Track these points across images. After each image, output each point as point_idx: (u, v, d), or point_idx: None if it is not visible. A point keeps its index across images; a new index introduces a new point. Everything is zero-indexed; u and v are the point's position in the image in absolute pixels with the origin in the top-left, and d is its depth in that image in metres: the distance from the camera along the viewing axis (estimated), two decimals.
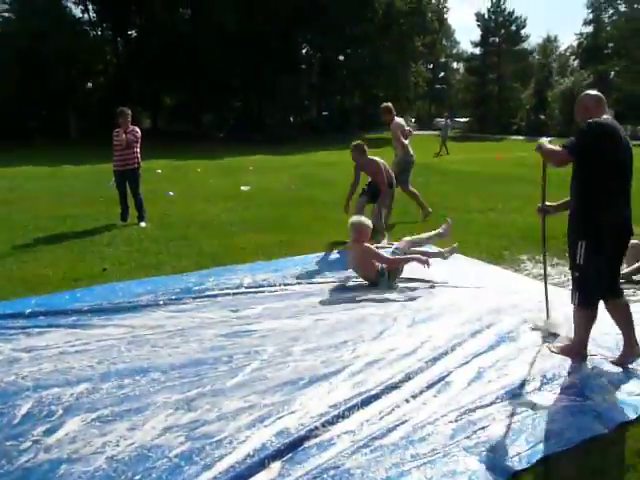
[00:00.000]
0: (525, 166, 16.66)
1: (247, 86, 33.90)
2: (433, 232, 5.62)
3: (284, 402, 2.91)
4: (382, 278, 4.88)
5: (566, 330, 3.69)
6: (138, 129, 7.52)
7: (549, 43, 49.44)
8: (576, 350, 3.45)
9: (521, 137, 36.74)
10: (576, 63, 52.52)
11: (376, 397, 2.93)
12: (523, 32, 47.33)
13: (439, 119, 60.07)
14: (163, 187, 10.91)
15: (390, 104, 8.18)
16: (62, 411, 2.83)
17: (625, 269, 4.91)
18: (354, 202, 6.72)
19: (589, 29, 53.49)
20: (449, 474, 2.35)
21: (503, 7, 46.12)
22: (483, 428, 2.66)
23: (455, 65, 68.84)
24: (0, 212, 8.36)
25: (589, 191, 3.24)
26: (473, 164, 17.35)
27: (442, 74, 63.74)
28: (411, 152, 8.14)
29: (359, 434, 2.61)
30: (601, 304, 3.36)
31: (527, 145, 30.57)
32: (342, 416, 2.73)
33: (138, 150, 7.51)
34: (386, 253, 5.09)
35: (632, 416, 2.79)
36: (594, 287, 3.28)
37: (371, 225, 5.11)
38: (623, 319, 3.35)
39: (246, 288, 4.76)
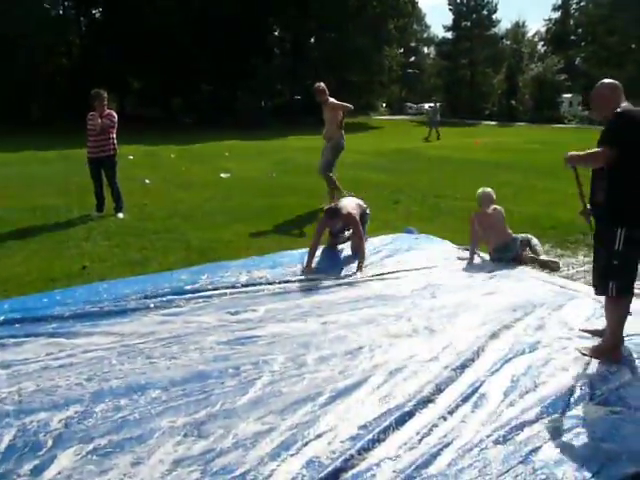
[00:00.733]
0: (505, 151, 16.59)
1: (217, 70, 32.93)
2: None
3: (307, 423, 2.58)
4: (514, 243, 5.19)
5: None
6: (115, 113, 6.99)
7: (518, 28, 49.58)
8: (610, 347, 3.24)
9: (493, 122, 36.83)
10: (544, 49, 53.02)
11: (410, 414, 2.62)
12: (494, 17, 47.41)
13: (412, 105, 60.13)
14: (137, 174, 10.35)
15: (323, 84, 7.68)
16: (51, 442, 2.43)
17: None
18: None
19: (557, 15, 54.08)
20: None
21: None
22: (535, 450, 2.37)
23: (426, 50, 68.73)
24: None
25: (623, 178, 3.11)
26: (453, 149, 17.16)
27: (413, 58, 63.52)
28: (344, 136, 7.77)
29: (400, 462, 2.29)
30: None
31: (501, 130, 30.70)
32: (377, 439, 2.42)
33: (114, 136, 6.99)
34: None
35: None
36: (631, 274, 3.19)
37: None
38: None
39: (243, 287, 4.38)
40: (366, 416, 2.63)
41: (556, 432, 2.50)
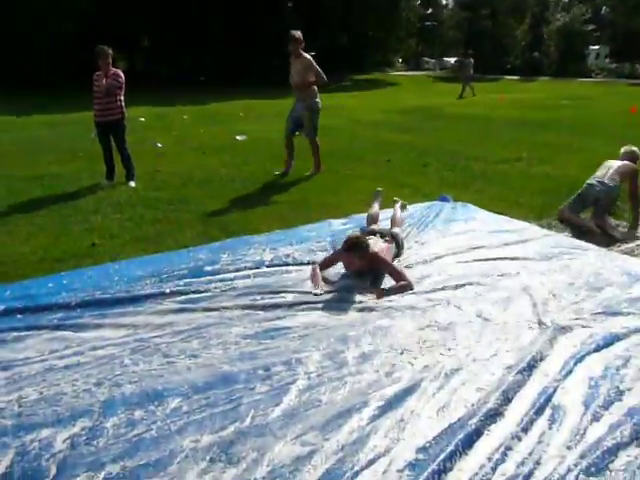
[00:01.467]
0: (531, 108, 15.75)
1: (229, 27, 31.72)
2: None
3: (355, 445, 2.17)
4: None
5: None
6: (121, 73, 6.44)
7: None
8: None
9: (516, 77, 35.36)
10: None
11: (477, 433, 2.19)
12: None
13: (429, 59, 58.06)
14: (148, 137, 9.86)
15: (300, 33, 6.91)
16: (55, 469, 2.06)
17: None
18: None
19: None
20: None
21: None
22: None
23: (444, 1, 65.91)
24: None
25: None
26: (477, 107, 16.35)
27: (430, 10, 60.95)
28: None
29: None
30: None
31: (525, 85, 29.42)
32: (442, 469, 2.00)
33: (122, 98, 6.47)
34: None
35: None
36: None
37: None
38: None
39: (268, 267, 3.95)
40: (424, 434, 2.21)
41: None
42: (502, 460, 2.06)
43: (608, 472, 2.00)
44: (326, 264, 3.83)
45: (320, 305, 3.38)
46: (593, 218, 5.03)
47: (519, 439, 2.18)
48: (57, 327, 3.11)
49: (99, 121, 6.49)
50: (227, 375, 2.65)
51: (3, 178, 6.76)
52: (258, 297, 3.48)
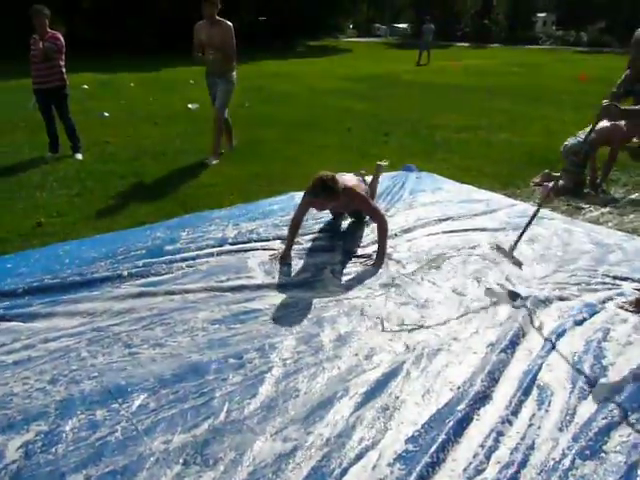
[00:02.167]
0: (485, 75, 15.78)
1: None
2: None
3: (340, 439, 2.03)
4: None
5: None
6: (60, 35, 5.92)
7: None
8: None
9: (466, 44, 35.47)
10: None
11: (467, 419, 2.10)
12: None
13: (380, 25, 57.48)
14: (93, 107, 9.28)
15: None
16: None
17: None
18: None
19: None
20: None
21: None
22: (636, 467, 1.89)
23: None
24: None
25: None
26: (432, 74, 16.25)
27: None
28: None
29: None
30: None
31: (476, 52, 29.54)
32: (436, 461, 1.89)
33: (63, 63, 5.97)
34: None
35: None
36: None
37: None
38: None
39: (231, 245, 3.73)
40: (413, 422, 2.10)
41: None
42: (495, 447, 1.97)
43: (603, 454, 1.94)
44: (297, 220, 3.58)
45: (291, 284, 3.21)
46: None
47: (510, 423, 2.09)
48: (2, 317, 2.81)
49: (38, 88, 5.97)
50: (196, 365, 2.45)
51: None
52: (223, 278, 3.27)
